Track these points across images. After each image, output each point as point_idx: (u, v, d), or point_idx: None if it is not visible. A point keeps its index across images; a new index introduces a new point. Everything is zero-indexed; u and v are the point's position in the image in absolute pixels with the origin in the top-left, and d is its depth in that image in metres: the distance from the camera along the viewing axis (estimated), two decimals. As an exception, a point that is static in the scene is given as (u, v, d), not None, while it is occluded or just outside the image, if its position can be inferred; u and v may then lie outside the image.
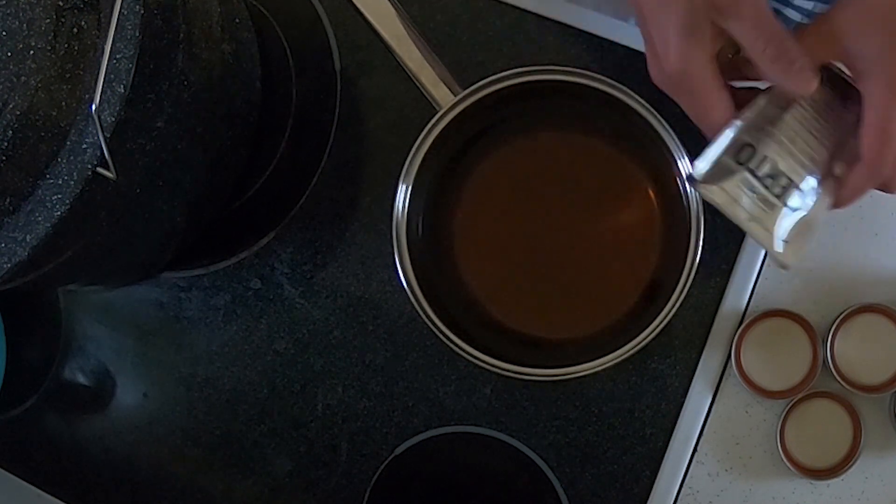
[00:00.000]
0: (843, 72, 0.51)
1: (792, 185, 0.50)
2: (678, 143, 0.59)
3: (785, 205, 0.50)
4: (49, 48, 0.47)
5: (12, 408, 0.76)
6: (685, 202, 0.59)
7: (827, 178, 0.51)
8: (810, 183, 0.51)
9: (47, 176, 0.49)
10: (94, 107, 0.47)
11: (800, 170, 0.50)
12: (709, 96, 0.49)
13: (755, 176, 0.50)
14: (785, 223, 0.50)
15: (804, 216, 0.51)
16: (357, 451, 0.70)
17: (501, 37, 0.69)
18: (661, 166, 0.61)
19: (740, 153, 0.50)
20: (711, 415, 0.65)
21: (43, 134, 0.48)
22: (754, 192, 0.50)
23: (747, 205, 0.50)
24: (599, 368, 0.59)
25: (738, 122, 0.49)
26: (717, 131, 0.50)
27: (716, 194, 0.50)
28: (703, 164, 0.50)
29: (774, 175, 0.50)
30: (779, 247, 0.50)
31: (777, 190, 0.50)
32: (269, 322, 0.72)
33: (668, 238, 0.63)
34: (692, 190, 0.59)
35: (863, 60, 0.48)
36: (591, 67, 0.61)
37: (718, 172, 0.50)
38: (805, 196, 0.50)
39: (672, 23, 0.47)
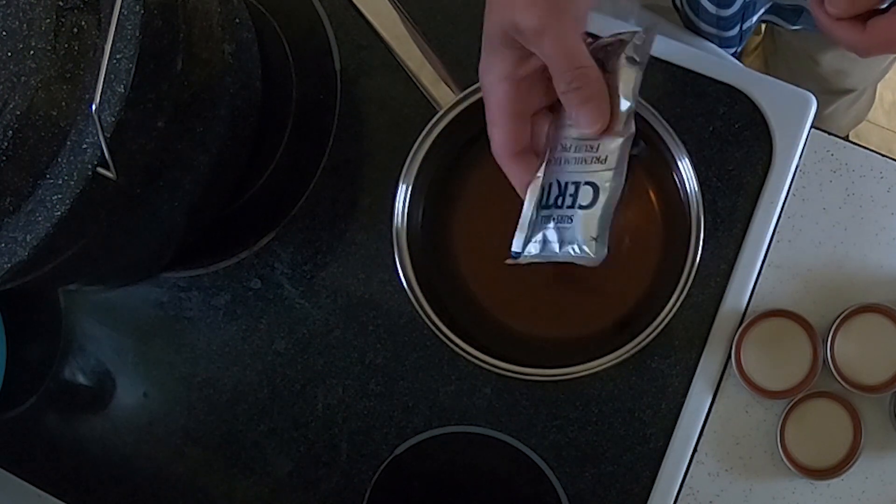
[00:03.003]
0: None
1: (579, 186, 0.49)
2: (678, 142, 0.59)
3: (580, 208, 0.49)
4: (49, 48, 0.47)
5: (12, 408, 0.76)
6: (685, 203, 0.59)
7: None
8: (593, 170, 0.49)
9: (47, 176, 0.49)
10: (94, 107, 0.47)
11: (582, 167, 0.50)
12: (489, 107, 0.50)
13: (546, 208, 0.50)
14: (585, 224, 0.49)
15: (600, 203, 0.49)
16: (357, 451, 0.70)
17: (501, 37, 0.69)
18: (661, 167, 0.61)
19: (540, 199, 0.50)
20: (711, 415, 0.65)
21: (43, 134, 0.48)
22: (552, 220, 0.50)
23: (554, 237, 0.50)
24: (599, 368, 0.59)
25: (538, 176, 0.50)
26: (493, 146, 0.50)
27: (535, 257, 0.51)
28: (518, 244, 0.51)
29: (562, 193, 0.50)
30: (590, 249, 0.50)
31: (569, 201, 0.50)
32: (269, 322, 0.72)
33: (668, 238, 0.63)
34: (692, 190, 0.59)
35: None
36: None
37: (531, 233, 0.51)
38: (597, 186, 0.49)
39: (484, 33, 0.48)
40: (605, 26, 0.67)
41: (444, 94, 0.65)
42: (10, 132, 0.46)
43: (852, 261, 0.64)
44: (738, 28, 0.75)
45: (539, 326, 0.65)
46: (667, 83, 0.66)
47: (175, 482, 0.73)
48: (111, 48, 0.47)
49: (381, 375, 0.70)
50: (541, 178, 0.50)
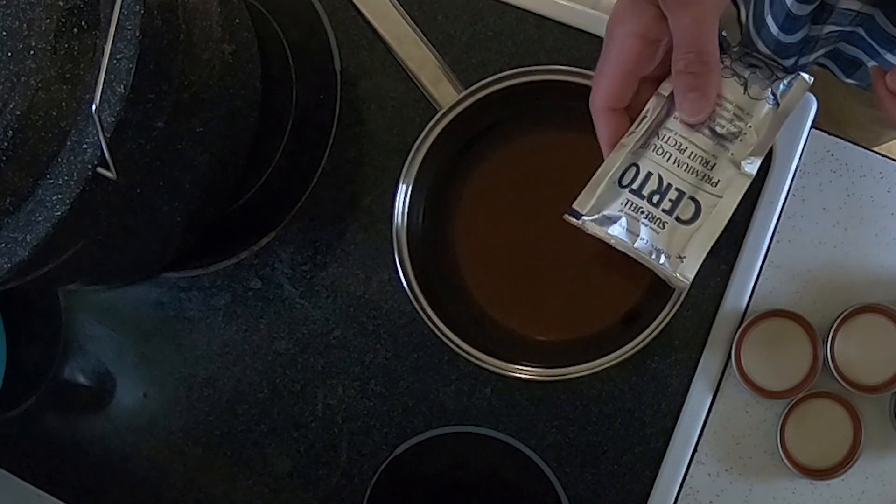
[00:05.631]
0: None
1: (682, 196, 0.48)
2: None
3: (678, 220, 0.48)
4: (49, 48, 0.47)
5: (12, 408, 0.76)
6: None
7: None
8: (702, 189, 0.48)
9: (47, 176, 0.49)
10: (94, 107, 0.47)
11: (691, 179, 0.48)
12: (608, 59, 0.48)
13: (640, 195, 0.48)
14: (678, 239, 0.48)
15: (697, 224, 0.48)
16: (357, 451, 0.70)
17: (501, 37, 0.69)
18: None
19: (624, 176, 0.49)
20: (711, 415, 0.65)
21: (43, 134, 0.48)
22: (640, 213, 0.48)
23: (639, 231, 0.48)
24: (599, 368, 0.59)
25: (626, 143, 0.49)
26: (592, 96, 0.49)
27: (597, 228, 0.49)
28: (587, 198, 0.49)
29: (661, 191, 0.48)
30: (675, 267, 0.48)
31: (667, 206, 0.48)
32: (269, 322, 0.72)
33: (669, 238, 0.63)
34: None
35: None
36: (591, 67, 0.61)
37: (602, 201, 0.49)
38: (699, 205, 0.48)
39: None
40: (605, 26, 0.67)
41: (444, 94, 0.66)
42: (10, 132, 0.46)
43: (852, 261, 0.64)
44: (794, 60, 0.73)
45: (539, 327, 0.65)
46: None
47: (175, 482, 0.73)
48: (111, 48, 0.47)
49: (381, 375, 0.70)
50: (628, 147, 0.49)
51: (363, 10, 0.69)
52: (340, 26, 0.71)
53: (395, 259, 0.62)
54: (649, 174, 0.48)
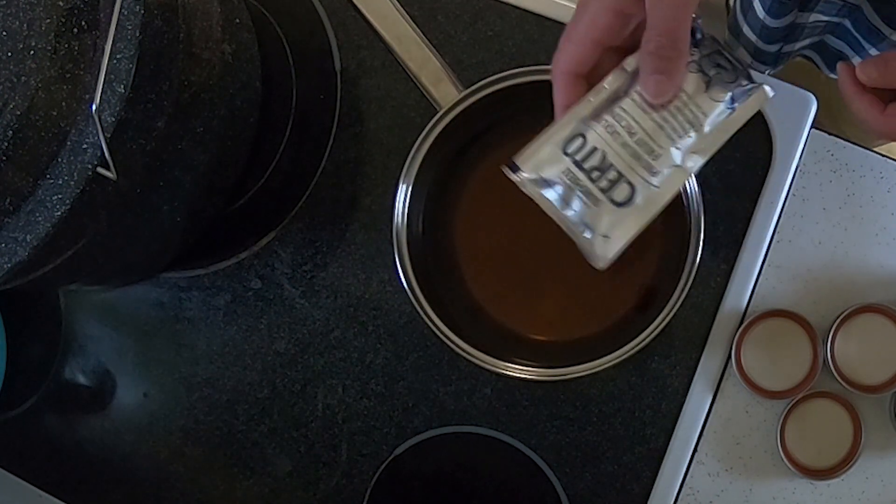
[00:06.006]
0: None
1: (621, 178, 0.48)
2: (678, 143, 0.59)
3: (611, 200, 0.48)
4: (49, 48, 0.47)
5: (12, 408, 0.76)
6: (685, 202, 0.59)
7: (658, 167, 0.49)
8: (641, 175, 0.48)
9: (47, 176, 0.49)
10: (94, 107, 0.47)
11: (633, 163, 0.48)
12: (576, 23, 0.48)
13: (580, 168, 0.48)
14: (607, 219, 0.48)
15: (629, 209, 0.48)
16: (357, 451, 0.70)
17: (501, 37, 0.69)
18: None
19: (570, 143, 0.48)
20: (711, 415, 0.65)
21: (43, 134, 0.48)
22: (578, 184, 0.48)
23: (572, 202, 0.48)
24: (599, 368, 0.59)
25: (578, 110, 0.48)
26: (555, 59, 0.48)
27: (533, 187, 0.48)
28: (529, 155, 0.48)
29: (602, 168, 0.48)
30: (598, 244, 0.48)
31: (603, 184, 0.48)
32: (269, 322, 0.72)
33: (668, 239, 0.63)
34: (692, 190, 0.59)
35: None
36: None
37: (543, 161, 0.48)
38: (635, 190, 0.48)
39: None
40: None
41: (444, 94, 0.66)
42: (10, 132, 0.46)
43: (852, 261, 0.64)
44: (778, 46, 0.73)
45: (539, 327, 0.65)
46: (667, 83, 0.66)
47: (175, 482, 0.73)
48: (111, 48, 0.47)
49: (381, 375, 0.70)
50: (580, 115, 0.48)
51: (363, 10, 0.69)
52: (340, 26, 0.71)
53: (395, 259, 0.62)
54: (594, 149, 0.49)
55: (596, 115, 0.49)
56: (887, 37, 0.65)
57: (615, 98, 0.49)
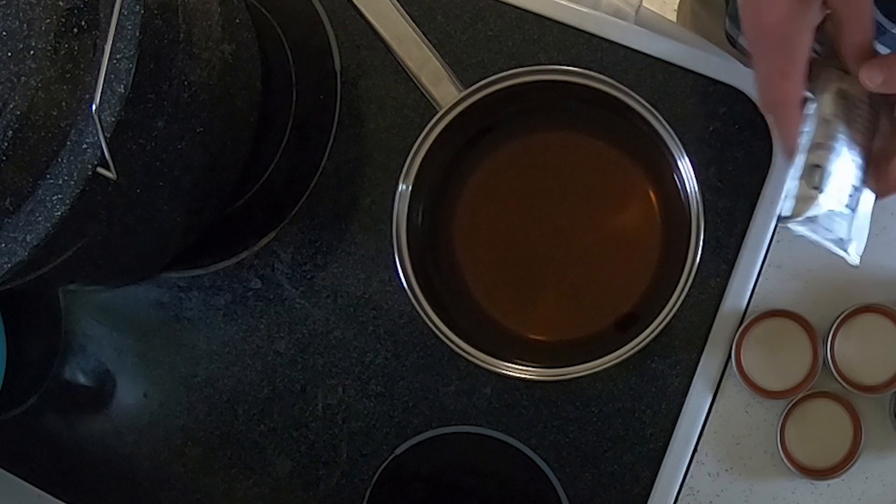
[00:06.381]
0: None
1: (857, 191, 0.52)
2: (678, 143, 0.59)
3: (853, 211, 0.52)
4: (49, 48, 0.47)
5: (12, 408, 0.76)
6: (685, 202, 0.59)
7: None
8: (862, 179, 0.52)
9: (47, 176, 0.49)
10: (94, 107, 0.47)
11: (858, 173, 0.52)
12: (793, 58, 0.47)
13: (828, 195, 0.52)
14: (853, 226, 0.52)
15: (863, 211, 0.53)
16: (357, 451, 0.70)
17: (501, 37, 0.69)
18: (661, 166, 0.61)
19: (812, 177, 0.51)
20: (711, 415, 0.65)
21: (43, 134, 0.48)
22: (832, 210, 0.51)
23: (832, 227, 0.52)
24: (599, 368, 0.59)
25: (805, 137, 0.51)
26: (783, 99, 0.50)
27: (802, 227, 0.52)
28: (790, 202, 0.52)
29: (842, 186, 0.52)
30: (853, 252, 0.53)
31: (846, 200, 0.52)
32: (269, 322, 0.72)
33: (668, 238, 0.63)
34: (692, 190, 0.59)
35: None
36: (591, 67, 0.61)
37: (801, 205, 0.51)
38: (863, 194, 0.52)
39: None
40: (606, 26, 0.68)
41: (444, 94, 0.65)
42: (10, 132, 0.46)
43: (852, 261, 0.64)
44: None
45: (539, 326, 0.65)
46: (667, 83, 0.66)
47: (175, 482, 0.73)
48: (111, 48, 0.47)
49: (381, 375, 0.70)
50: (806, 148, 0.51)
51: (363, 10, 0.69)
52: (340, 26, 0.71)
53: (395, 259, 0.62)
54: (830, 173, 0.51)
55: (818, 145, 0.52)
56: (888, 30, 0.65)
57: (830, 122, 0.52)
